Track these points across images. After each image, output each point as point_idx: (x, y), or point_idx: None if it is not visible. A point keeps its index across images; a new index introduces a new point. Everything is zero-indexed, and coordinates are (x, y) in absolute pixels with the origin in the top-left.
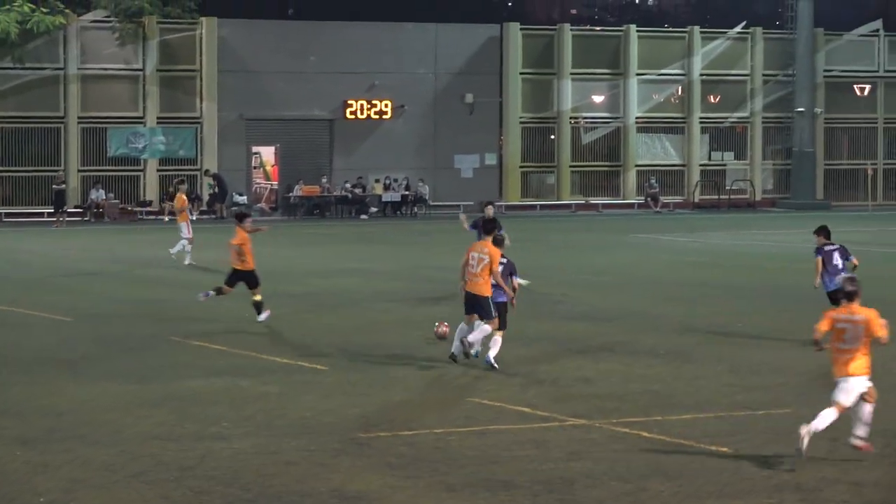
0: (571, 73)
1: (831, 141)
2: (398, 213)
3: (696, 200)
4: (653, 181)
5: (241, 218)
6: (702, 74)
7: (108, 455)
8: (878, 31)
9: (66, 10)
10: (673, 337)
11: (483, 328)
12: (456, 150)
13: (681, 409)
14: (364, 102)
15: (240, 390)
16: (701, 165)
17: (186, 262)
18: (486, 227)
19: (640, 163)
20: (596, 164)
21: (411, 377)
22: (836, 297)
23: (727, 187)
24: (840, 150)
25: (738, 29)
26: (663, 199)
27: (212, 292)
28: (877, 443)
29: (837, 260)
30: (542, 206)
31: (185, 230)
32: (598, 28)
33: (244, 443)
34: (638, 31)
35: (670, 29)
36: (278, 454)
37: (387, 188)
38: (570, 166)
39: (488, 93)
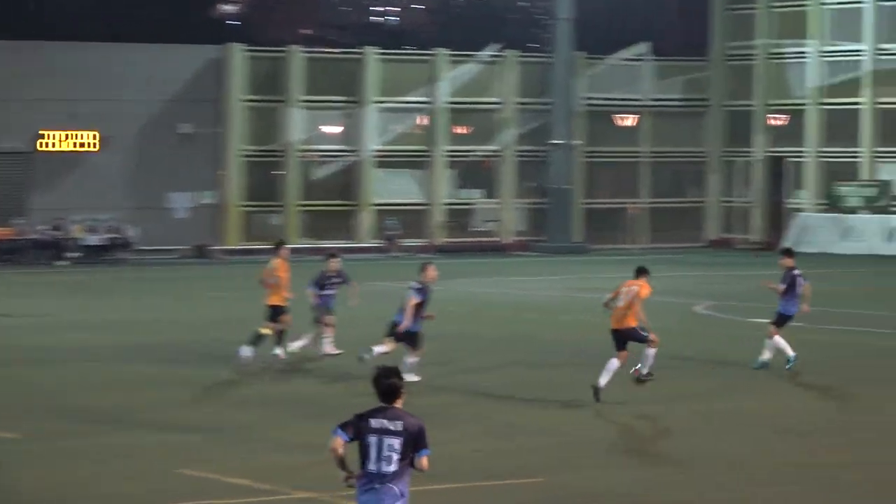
0: (301, 101)
1: (591, 177)
2: (102, 258)
3: (440, 243)
4: (390, 222)
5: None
6: (448, 102)
7: None
8: (643, 55)
9: None
10: (412, 398)
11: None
12: (169, 187)
13: (428, 478)
14: (62, 133)
15: None
16: (445, 204)
17: None
18: (639, 272)
19: (377, 201)
20: (328, 202)
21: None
22: (786, 322)
23: (474, 229)
24: (601, 187)
25: (489, 51)
26: (403, 241)
27: None
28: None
29: (800, 286)
30: (265, 250)
31: None
32: (333, 50)
33: None
34: (377, 53)
35: (413, 51)
36: None
37: (91, 230)
38: (298, 205)
39: (206, 122)
